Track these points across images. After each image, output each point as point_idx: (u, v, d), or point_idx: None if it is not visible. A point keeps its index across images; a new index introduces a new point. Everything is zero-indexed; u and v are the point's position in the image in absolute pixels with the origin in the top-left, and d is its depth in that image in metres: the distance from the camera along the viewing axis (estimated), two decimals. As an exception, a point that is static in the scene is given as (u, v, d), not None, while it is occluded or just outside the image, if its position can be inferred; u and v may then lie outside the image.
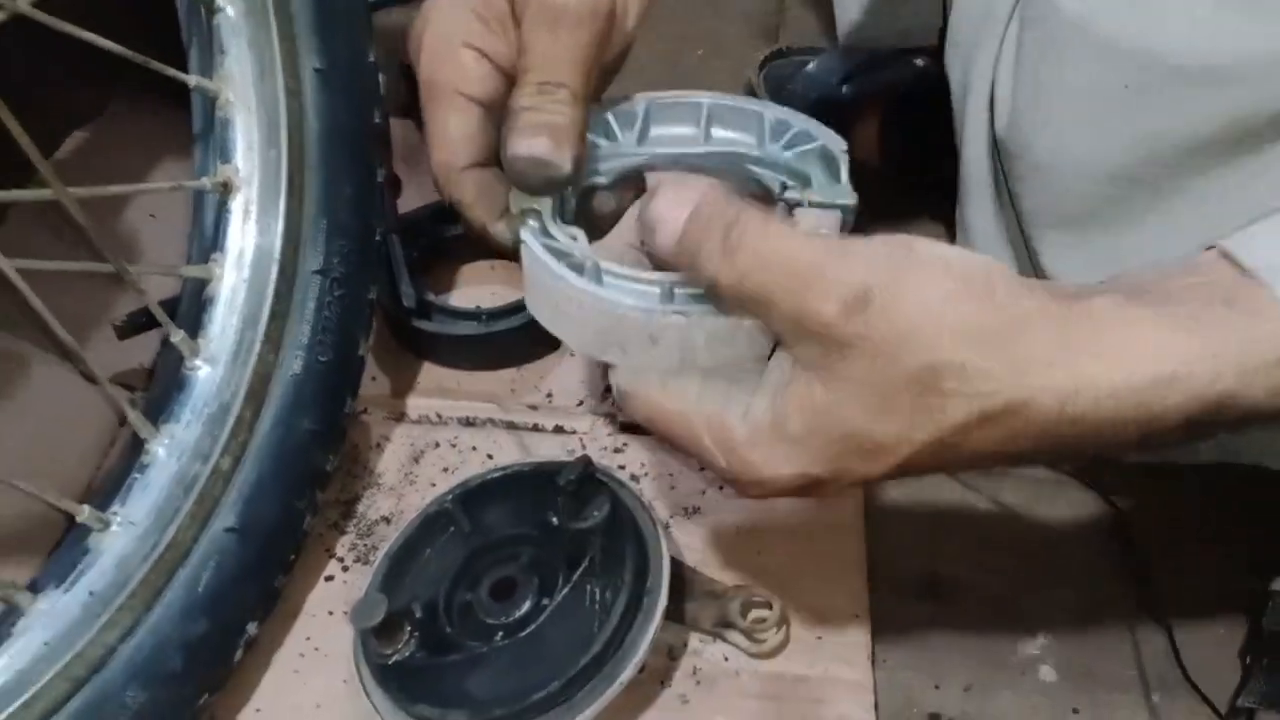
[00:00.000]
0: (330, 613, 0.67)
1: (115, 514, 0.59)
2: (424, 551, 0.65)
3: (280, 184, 0.66)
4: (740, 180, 0.55)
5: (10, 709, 0.52)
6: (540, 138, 0.47)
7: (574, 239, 0.49)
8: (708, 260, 0.41)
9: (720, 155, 0.56)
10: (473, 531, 0.66)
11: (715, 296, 0.43)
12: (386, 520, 0.71)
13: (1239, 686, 0.63)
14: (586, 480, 0.61)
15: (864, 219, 0.51)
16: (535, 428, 0.76)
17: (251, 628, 0.62)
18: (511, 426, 0.76)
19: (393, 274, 0.78)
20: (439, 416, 0.77)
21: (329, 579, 0.68)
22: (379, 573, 0.64)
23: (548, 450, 0.74)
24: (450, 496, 0.66)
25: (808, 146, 0.54)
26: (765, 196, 0.55)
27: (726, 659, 0.64)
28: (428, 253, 0.84)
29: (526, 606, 0.60)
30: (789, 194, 0.52)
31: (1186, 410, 0.39)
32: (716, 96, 0.56)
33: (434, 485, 0.72)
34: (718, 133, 0.57)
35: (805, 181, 0.53)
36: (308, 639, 0.66)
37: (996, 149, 0.64)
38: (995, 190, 0.67)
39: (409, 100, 0.98)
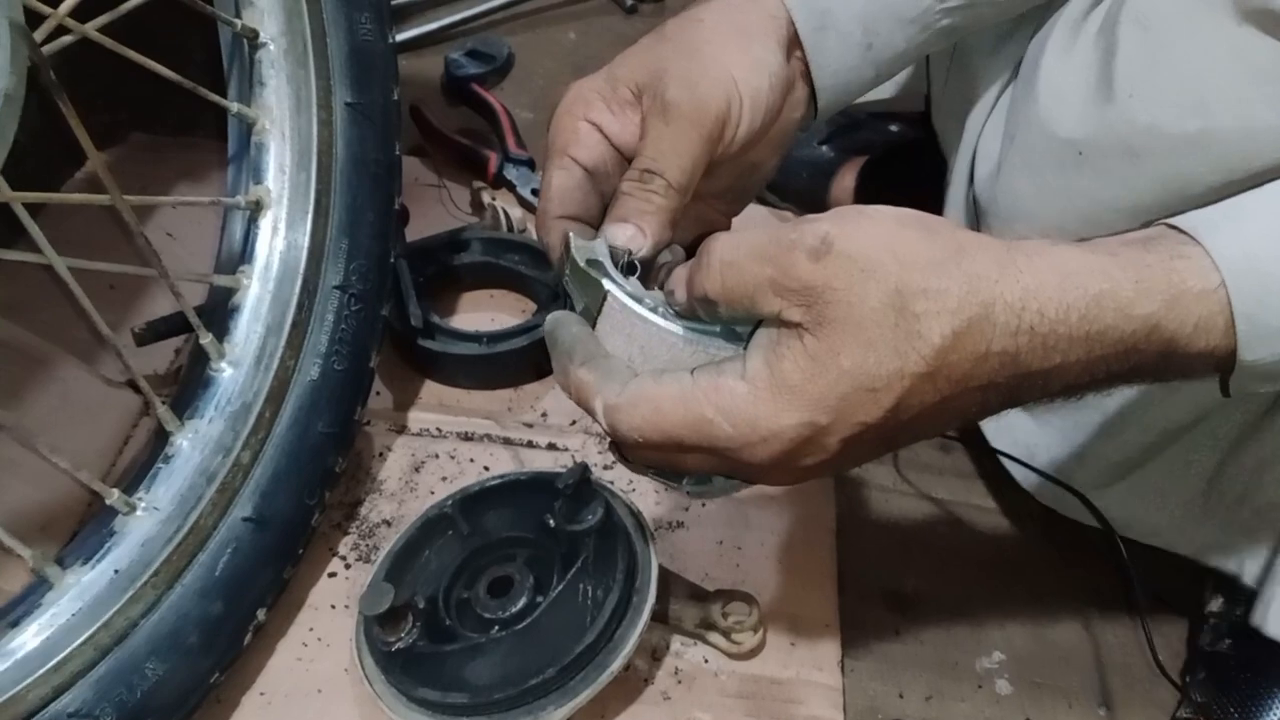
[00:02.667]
0: (333, 606, 0.70)
1: (140, 499, 0.63)
2: (424, 551, 0.70)
3: (308, 205, 0.72)
4: None
5: (43, 670, 0.55)
6: (626, 226, 0.52)
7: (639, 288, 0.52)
8: (696, 285, 0.46)
9: None
10: (471, 533, 0.70)
11: (714, 313, 0.46)
12: (388, 523, 0.75)
13: (1179, 701, 0.68)
14: (583, 485, 0.65)
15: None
16: (530, 444, 0.81)
17: (261, 614, 0.66)
18: (508, 442, 0.81)
19: (401, 296, 0.83)
20: (439, 430, 0.82)
21: (332, 575, 0.72)
22: (382, 568, 0.68)
23: (541, 465, 0.79)
24: (450, 501, 0.71)
25: None
26: None
27: (706, 660, 0.68)
28: (434, 279, 0.89)
29: (523, 602, 0.65)
30: None
31: (1120, 332, 0.43)
32: None
33: (433, 493, 0.77)
34: None
35: None
36: (311, 629, 0.69)
37: (974, 200, 0.72)
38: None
39: (417, 140, 1.06)
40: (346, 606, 0.70)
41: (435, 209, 0.99)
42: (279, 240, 0.71)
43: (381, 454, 0.80)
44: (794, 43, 0.58)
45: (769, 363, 0.44)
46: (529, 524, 0.69)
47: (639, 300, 0.49)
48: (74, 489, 0.71)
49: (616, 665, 0.61)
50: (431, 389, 0.85)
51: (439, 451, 0.80)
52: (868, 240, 0.43)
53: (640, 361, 0.49)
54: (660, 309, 0.49)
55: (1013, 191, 0.68)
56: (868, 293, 0.42)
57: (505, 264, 0.91)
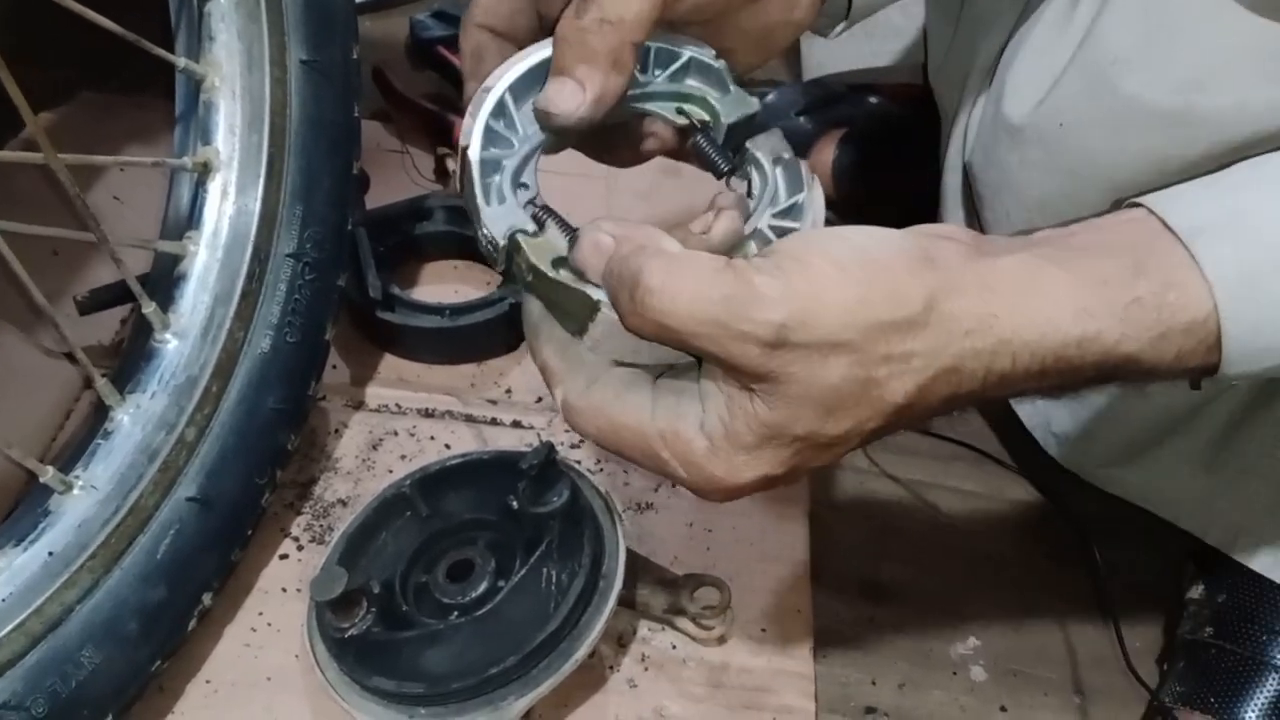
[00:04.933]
0: (284, 589, 0.67)
1: (78, 477, 0.60)
2: (380, 533, 0.67)
3: (260, 168, 0.68)
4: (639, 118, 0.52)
5: (-32, 659, 0.52)
6: (563, 82, 0.46)
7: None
8: (625, 315, 0.41)
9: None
10: (430, 515, 0.67)
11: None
12: (343, 503, 0.72)
13: (1157, 687, 0.67)
14: (548, 466, 0.62)
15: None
16: (493, 421, 0.78)
17: (206, 598, 0.62)
18: (470, 419, 0.78)
19: (360, 265, 0.79)
20: (398, 406, 0.78)
21: (284, 557, 0.69)
22: (335, 551, 0.65)
23: (505, 443, 0.76)
24: (409, 481, 0.67)
25: (677, 65, 0.50)
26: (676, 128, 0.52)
27: (674, 647, 0.66)
28: (394, 249, 0.85)
29: (483, 587, 0.62)
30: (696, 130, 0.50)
31: (1098, 369, 0.41)
32: None
33: (391, 472, 0.74)
34: None
35: (695, 100, 0.51)
36: (260, 614, 0.66)
37: (967, 170, 0.70)
38: (964, 201, 0.72)
39: (380, 104, 1.02)
40: (299, 590, 0.67)
41: (398, 176, 0.95)
42: (228, 205, 0.68)
43: (337, 431, 0.76)
44: None
45: (724, 421, 0.41)
46: (491, 506, 0.66)
47: None
48: (8, 466, 0.67)
49: (580, 653, 0.59)
50: (391, 363, 0.81)
51: (398, 429, 0.77)
52: (827, 322, 0.39)
53: (646, 353, 0.44)
54: None
55: (1000, 163, 0.66)
56: (828, 373, 0.39)
57: (470, 233, 0.87)
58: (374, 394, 0.79)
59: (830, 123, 0.99)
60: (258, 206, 0.67)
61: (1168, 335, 0.41)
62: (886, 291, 0.39)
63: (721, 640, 0.66)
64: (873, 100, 1.01)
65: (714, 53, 0.50)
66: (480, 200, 0.46)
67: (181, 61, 0.67)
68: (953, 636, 0.71)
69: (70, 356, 0.74)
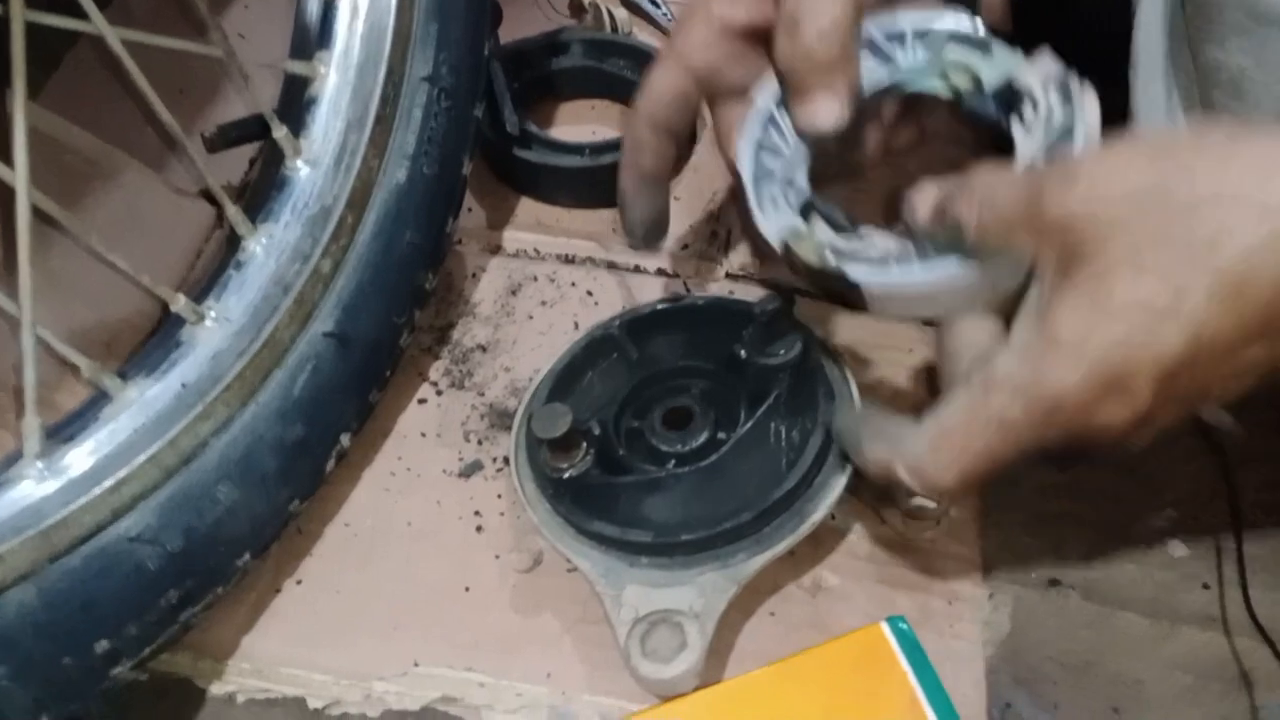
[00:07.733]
0: (423, 434, 0.64)
1: (210, 308, 0.57)
2: (587, 374, 0.62)
3: (392, -21, 0.62)
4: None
5: (99, 490, 0.49)
6: (813, 105, 0.48)
7: (862, 238, 0.49)
8: (958, 211, 0.43)
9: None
10: (639, 360, 0.62)
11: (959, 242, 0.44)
12: (483, 349, 0.68)
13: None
14: (781, 316, 0.56)
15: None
16: (637, 269, 0.72)
17: (344, 439, 0.59)
18: (612, 266, 0.72)
19: (495, 101, 0.74)
20: (537, 252, 0.73)
21: (422, 401, 0.66)
22: (543, 388, 0.60)
23: (650, 292, 0.70)
24: (617, 322, 0.62)
25: (935, 38, 0.50)
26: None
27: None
28: (529, 86, 0.79)
29: (704, 437, 0.57)
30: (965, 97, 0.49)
31: None
32: None
33: (531, 318, 0.69)
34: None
35: (959, 69, 0.49)
36: (399, 458, 0.63)
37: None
38: (1168, 59, 0.62)
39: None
40: (438, 435, 0.64)
41: (529, 11, 0.88)
42: (360, 22, 0.62)
43: (475, 275, 0.72)
44: None
45: (1035, 327, 0.40)
46: (704, 353, 0.61)
47: (888, 264, 0.47)
48: (139, 307, 0.64)
49: (818, 515, 0.54)
50: (528, 207, 0.76)
51: (537, 274, 0.72)
52: (1127, 159, 0.38)
53: (919, 306, 0.48)
54: (893, 252, 0.47)
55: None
56: (1135, 211, 0.37)
57: (609, 69, 0.80)
58: (511, 238, 0.74)
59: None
60: (391, 22, 0.62)
61: None
62: (1187, 140, 0.40)
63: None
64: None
65: (968, 15, 0.50)
66: (755, 210, 0.50)
67: None
68: (1147, 505, 0.63)
69: (204, 194, 0.71)
